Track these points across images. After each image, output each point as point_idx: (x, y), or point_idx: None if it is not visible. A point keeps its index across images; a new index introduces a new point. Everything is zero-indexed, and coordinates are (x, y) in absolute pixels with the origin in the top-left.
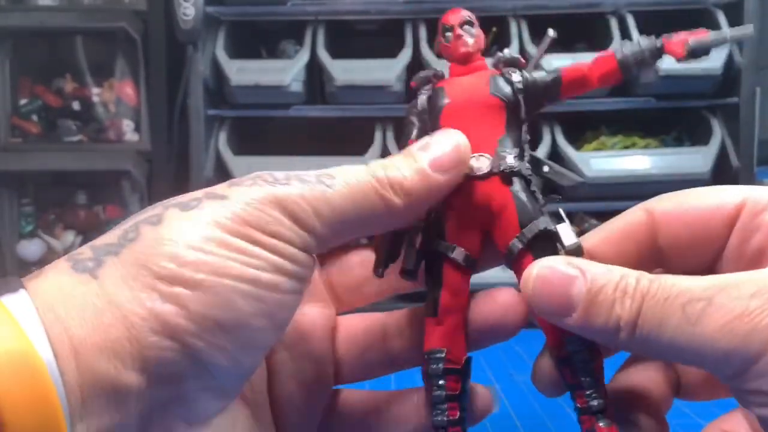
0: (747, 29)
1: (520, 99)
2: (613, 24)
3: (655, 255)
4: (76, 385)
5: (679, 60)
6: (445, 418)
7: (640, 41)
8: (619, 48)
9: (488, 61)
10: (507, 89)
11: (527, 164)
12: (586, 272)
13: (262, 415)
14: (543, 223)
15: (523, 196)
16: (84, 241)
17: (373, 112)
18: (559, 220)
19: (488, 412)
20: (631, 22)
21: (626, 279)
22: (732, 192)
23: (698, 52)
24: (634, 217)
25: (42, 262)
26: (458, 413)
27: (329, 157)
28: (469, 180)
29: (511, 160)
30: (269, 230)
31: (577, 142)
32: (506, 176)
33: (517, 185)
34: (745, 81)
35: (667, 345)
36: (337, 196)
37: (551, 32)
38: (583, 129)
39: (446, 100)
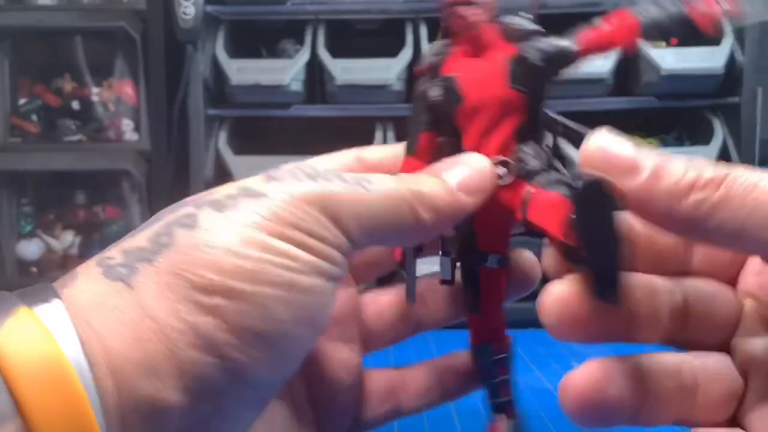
0: None
1: (543, 78)
2: None
3: None
4: (115, 407)
5: (704, 32)
6: (503, 400)
7: (667, 7)
8: (645, 16)
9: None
10: (529, 74)
11: (546, 147)
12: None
13: (302, 414)
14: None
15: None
16: (83, 241)
17: (374, 112)
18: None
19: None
20: None
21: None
22: None
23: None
24: None
25: (41, 262)
26: (511, 394)
27: None
28: (495, 190)
29: (533, 162)
30: (308, 229)
31: None
32: (527, 177)
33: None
34: (747, 81)
35: (756, 227)
36: (374, 200)
37: None
38: None
39: (460, 99)
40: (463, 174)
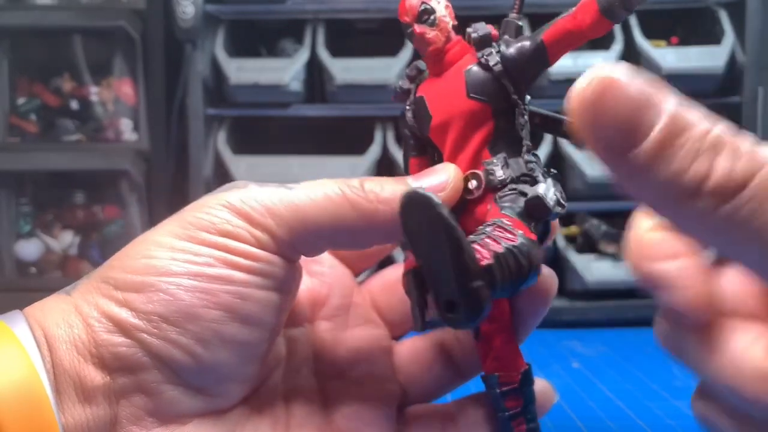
0: None
1: (504, 83)
2: None
3: None
4: (52, 373)
5: None
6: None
7: None
8: None
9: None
10: (486, 82)
11: (523, 159)
12: (666, 101)
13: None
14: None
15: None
16: (82, 241)
17: (374, 112)
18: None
19: (550, 404)
20: (633, 20)
21: (725, 132)
22: None
23: None
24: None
25: (40, 262)
26: (525, 426)
27: (329, 156)
28: (467, 203)
29: (499, 172)
30: (218, 230)
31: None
32: (497, 189)
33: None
34: (748, 80)
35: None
36: (294, 196)
37: None
38: None
39: (430, 117)
40: (429, 180)
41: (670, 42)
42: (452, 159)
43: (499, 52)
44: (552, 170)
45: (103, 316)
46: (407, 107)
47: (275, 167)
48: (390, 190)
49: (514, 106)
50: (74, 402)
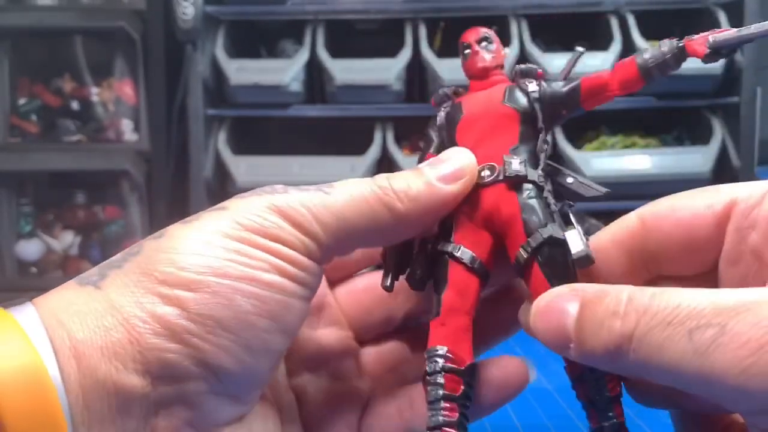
0: None
1: (536, 109)
2: (614, 23)
3: (649, 262)
4: (78, 386)
5: (703, 60)
6: (441, 418)
7: (661, 44)
8: (639, 53)
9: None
10: (522, 99)
11: (540, 171)
12: (581, 294)
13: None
14: (549, 230)
15: (531, 202)
16: (83, 241)
17: (373, 112)
18: (570, 226)
19: (524, 383)
20: (631, 21)
21: (617, 297)
22: (721, 192)
23: (722, 49)
24: (625, 223)
25: (41, 262)
26: (457, 415)
27: (329, 156)
28: (477, 188)
29: (516, 165)
30: (270, 234)
31: (577, 141)
32: (512, 183)
33: (526, 192)
34: (746, 80)
35: (671, 374)
36: (336, 202)
37: (580, 48)
38: (584, 129)
39: (462, 114)
40: (444, 167)
41: None
42: (473, 151)
43: (539, 85)
44: (568, 203)
45: (148, 315)
46: (442, 109)
47: (275, 167)
48: (416, 187)
49: (539, 132)
50: (102, 419)
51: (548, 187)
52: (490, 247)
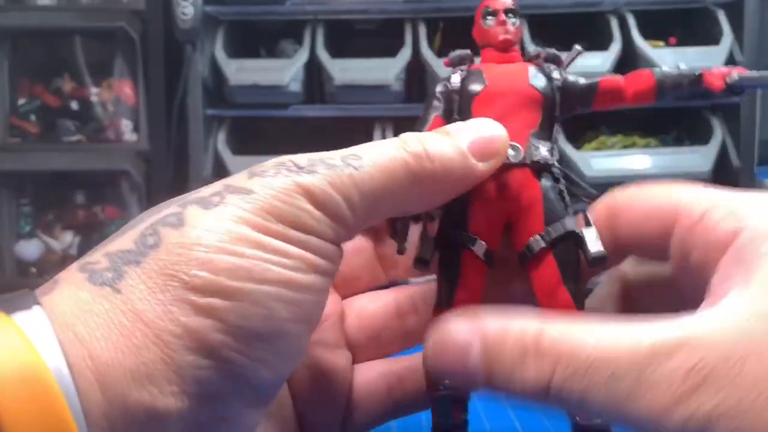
0: None
1: (556, 96)
2: (614, 23)
3: (618, 244)
4: (104, 418)
5: (716, 92)
6: (451, 421)
7: (680, 66)
8: (658, 69)
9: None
10: (546, 84)
11: (558, 163)
12: (480, 332)
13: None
14: (570, 224)
15: (551, 193)
16: (82, 242)
17: (373, 112)
18: (587, 224)
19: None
20: (631, 21)
21: (521, 338)
22: (673, 195)
23: (738, 88)
24: (597, 205)
25: (40, 262)
26: (462, 416)
27: None
28: (501, 169)
29: (544, 152)
30: (298, 223)
31: (577, 141)
32: (538, 168)
33: (547, 181)
34: None
35: (599, 416)
36: (364, 180)
37: (578, 47)
38: (583, 128)
39: (483, 85)
40: (475, 136)
41: (669, 42)
42: None
43: (561, 73)
44: (585, 200)
45: (180, 327)
46: (455, 71)
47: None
48: (449, 160)
49: (554, 121)
50: None
51: (563, 180)
52: (500, 234)
